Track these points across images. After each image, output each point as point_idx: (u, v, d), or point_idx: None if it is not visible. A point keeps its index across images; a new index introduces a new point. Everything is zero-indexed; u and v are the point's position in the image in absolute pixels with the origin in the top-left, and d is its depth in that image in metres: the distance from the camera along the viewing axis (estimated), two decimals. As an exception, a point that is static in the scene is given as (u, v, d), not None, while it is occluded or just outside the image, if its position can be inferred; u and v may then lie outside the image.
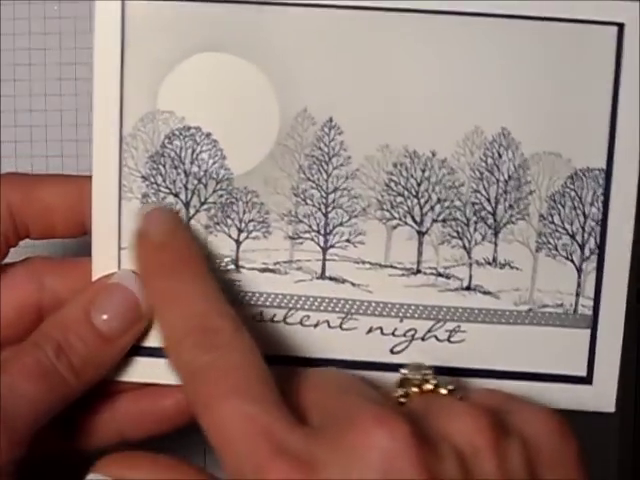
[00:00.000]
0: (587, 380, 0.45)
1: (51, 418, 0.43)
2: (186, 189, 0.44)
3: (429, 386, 0.41)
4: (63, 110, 0.55)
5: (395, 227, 0.45)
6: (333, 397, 0.39)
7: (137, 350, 0.45)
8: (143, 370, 0.45)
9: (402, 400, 0.41)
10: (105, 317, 0.43)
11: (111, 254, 0.44)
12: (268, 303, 0.45)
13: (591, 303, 0.45)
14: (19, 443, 0.42)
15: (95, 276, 0.45)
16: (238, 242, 0.45)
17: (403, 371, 0.42)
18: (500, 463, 0.37)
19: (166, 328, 0.42)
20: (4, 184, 0.45)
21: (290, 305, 0.45)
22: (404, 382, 0.42)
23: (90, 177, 0.44)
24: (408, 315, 0.45)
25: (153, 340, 0.45)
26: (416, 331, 0.45)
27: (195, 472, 0.39)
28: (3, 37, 0.55)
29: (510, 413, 0.39)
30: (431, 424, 0.37)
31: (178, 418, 0.46)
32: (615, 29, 0.43)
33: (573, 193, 0.44)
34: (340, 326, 0.45)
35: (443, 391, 0.41)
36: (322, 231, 0.45)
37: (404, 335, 0.45)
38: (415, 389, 0.41)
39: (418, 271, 0.45)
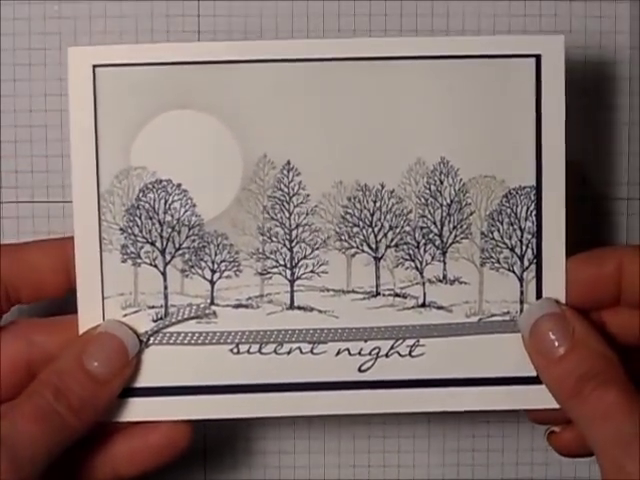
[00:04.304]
0: (537, 380, 0.48)
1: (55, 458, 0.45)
2: (161, 237, 0.48)
3: None
4: (63, 110, 0.56)
5: (354, 255, 0.49)
6: None
7: (127, 392, 0.48)
8: (135, 409, 0.48)
9: None
10: (96, 364, 0.46)
11: (96, 303, 0.48)
12: (244, 340, 0.48)
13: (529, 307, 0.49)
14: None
15: (82, 323, 0.48)
16: (212, 282, 0.48)
17: None
18: None
19: None
20: None
21: (264, 340, 0.48)
22: None
23: (71, 238, 0.48)
24: (372, 336, 0.49)
25: (140, 381, 0.48)
26: (380, 349, 0.49)
27: None
28: (3, 37, 0.56)
29: None
30: None
31: (166, 451, 0.49)
32: (533, 60, 0.48)
33: (509, 210, 0.49)
34: (311, 351, 0.49)
35: None
36: (288, 265, 0.49)
37: (369, 354, 0.49)
38: None
39: (377, 293, 0.49)
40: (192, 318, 0.48)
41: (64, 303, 0.50)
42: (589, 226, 0.58)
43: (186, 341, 0.48)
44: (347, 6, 0.56)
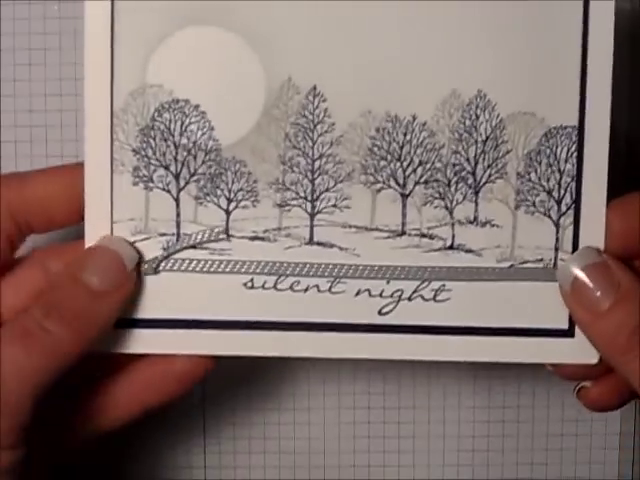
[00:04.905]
0: (569, 333, 0.46)
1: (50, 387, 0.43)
2: (176, 161, 0.46)
3: None
4: (63, 110, 0.56)
5: (379, 190, 0.46)
6: None
7: (138, 323, 0.46)
8: (148, 341, 0.46)
9: None
10: (92, 276, 0.44)
11: (104, 227, 0.45)
12: (259, 270, 0.46)
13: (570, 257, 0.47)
14: (18, 407, 0.42)
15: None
16: (228, 212, 0.46)
17: None
18: None
19: None
20: None
21: (280, 272, 0.46)
22: None
23: (81, 164, 0.45)
24: (395, 276, 0.46)
25: (152, 312, 0.46)
26: (403, 292, 0.46)
27: None
28: (3, 37, 0.56)
29: None
30: None
31: (187, 381, 0.48)
32: None
33: (548, 151, 0.46)
34: (329, 290, 0.46)
35: None
36: (309, 197, 0.46)
37: (391, 296, 0.46)
38: None
39: (403, 233, 0.46)
40: (205, 242, 0.46)
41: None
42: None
43: (198, 268, 0.46)
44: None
